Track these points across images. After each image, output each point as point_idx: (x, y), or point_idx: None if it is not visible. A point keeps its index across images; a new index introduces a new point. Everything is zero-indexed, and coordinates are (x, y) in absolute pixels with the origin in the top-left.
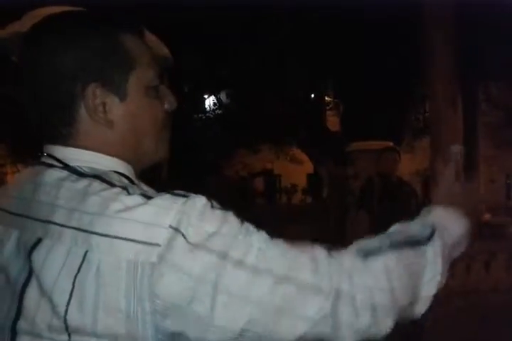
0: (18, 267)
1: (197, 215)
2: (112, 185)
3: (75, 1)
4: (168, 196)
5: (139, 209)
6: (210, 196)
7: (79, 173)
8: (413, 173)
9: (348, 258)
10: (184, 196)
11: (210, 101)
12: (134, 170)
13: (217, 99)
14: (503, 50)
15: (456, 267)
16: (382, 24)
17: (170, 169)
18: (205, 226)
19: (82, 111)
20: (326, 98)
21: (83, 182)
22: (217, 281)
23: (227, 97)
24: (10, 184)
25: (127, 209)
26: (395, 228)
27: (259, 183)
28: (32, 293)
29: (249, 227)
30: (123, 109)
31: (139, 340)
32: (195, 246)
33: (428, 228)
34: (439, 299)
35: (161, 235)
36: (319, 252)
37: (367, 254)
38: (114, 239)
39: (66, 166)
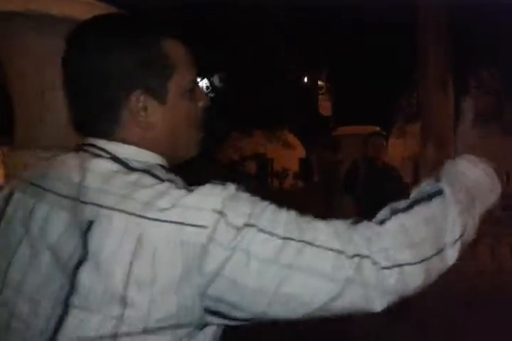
0: (70, 247)
1: (234, 199)
2: (161, 179)
3: None
4: (208, 185)
5: (186, 197)
6: (202, 179)
7: (128, 167)
8: (405, 158)
9: (364, 225)
10: (222, 184)
11: (202, 84)
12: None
13: (210, 82)
14: (494, 37)
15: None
16: (376, 9)
17: None
18: (242, 208)
19: (126, 114)
20: (319, 82)
21: (134, 176)
22: (250, 249)
23: (220, 81)
24: (48, 165)
25: (177, 199)
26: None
27: (251, 167)
28: (87, 273)
29: (275, 206)
30: (162, 113)
31: (188, 313)
32: (236, 226)
33: (435, 181)
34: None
35: (207, 218)
36: (339, 222)
37: (381, 221)
38: (166, 223)
39: (114, 158)
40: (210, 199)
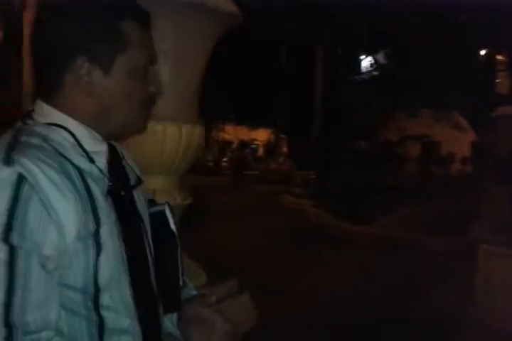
0: None
1: None
2: (15, 138)
3: None
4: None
5: None
6: (361, 161)
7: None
8: None
9: None
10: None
11: (366, 62)
12: (102, 134)
13: (374, 59)
14: None
15: None
16: None
17: (325, 131)
18: None
19: (69, 77)
20: (498, 57)
21: (8, 133)
22: None
23: (385, 57)
24: None
25: None
26: None
27: (413, 149)
28: None
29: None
30: (106, 83)
31: None
32: None
33: None
34: None
35: None
36: None
37: None
38: None
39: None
40: None
